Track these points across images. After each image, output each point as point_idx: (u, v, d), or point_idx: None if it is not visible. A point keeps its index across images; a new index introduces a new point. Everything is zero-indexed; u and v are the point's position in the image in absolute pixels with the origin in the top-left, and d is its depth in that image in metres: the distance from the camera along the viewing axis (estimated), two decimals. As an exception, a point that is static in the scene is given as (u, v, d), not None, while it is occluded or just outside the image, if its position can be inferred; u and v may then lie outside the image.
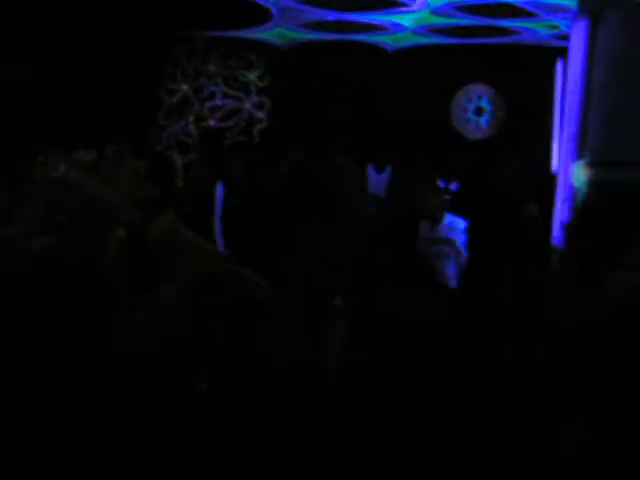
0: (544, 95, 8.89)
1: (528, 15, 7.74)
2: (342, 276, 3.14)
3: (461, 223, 5.83)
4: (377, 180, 8.03)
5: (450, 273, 5.69)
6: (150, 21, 9.17)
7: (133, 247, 2.53)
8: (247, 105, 11.19)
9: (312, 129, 9.94)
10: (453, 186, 6.14)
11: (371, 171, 8.10)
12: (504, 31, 8.88)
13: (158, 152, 10.15)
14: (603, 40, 6.25)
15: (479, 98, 10.81)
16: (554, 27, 7.87)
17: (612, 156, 6.15)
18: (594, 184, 6.20)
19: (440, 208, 5.85)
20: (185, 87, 11.04)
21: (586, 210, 5.13)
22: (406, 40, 9.56)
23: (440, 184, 6.08)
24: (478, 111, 10.80)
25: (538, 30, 8.47)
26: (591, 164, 6.34)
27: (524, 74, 9.84)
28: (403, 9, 7.86)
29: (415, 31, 8.95)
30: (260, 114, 11.16)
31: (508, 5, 7.47)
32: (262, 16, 8.69)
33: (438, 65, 10.13)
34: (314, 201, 5.01)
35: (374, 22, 8.56)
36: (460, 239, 5.68)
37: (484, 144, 10.50)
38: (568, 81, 6.67)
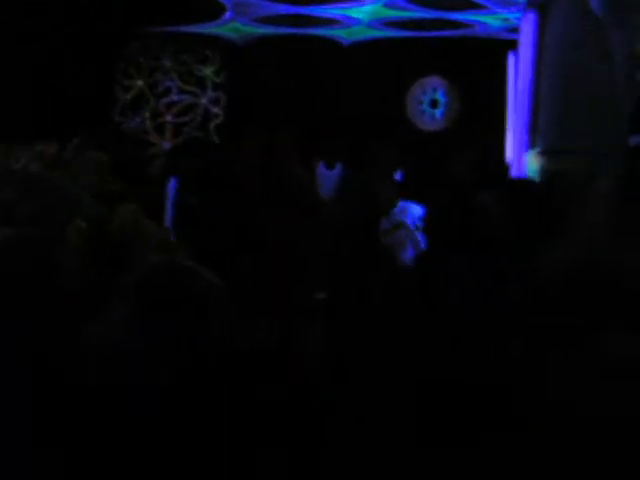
0: (498, 87, 9.04)
1: (480, 8, 7.87)
2: (313, 272, 3.18)
3: (415, 208, 5.90)
4: (327, 177, 7.95)
5: (408, 261, 5.77)
6: (103, 17, 9.10)
7: (94, 238, 2.54)
8: (203, 100, 11.17)
9: (267, 124, 9.96)
10: (397, 175, 6.27)
11: (321, 167, 8.06)
12: (457, 24, 9.00)
13: (123, 145, 10.10)
14: (551, 31, 6.39)
15: (434, 90, 10.94)
16: (505, 20, 8.01)
17: (563, 145, 6.30)
18: (546, 173, 6.34)
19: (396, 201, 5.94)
20: (140, 83, 10.98)
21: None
22: (361, 34, 9.64)
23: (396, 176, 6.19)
24: (433, 103, 10.93)
25: (490, 23, 8.61)
26: (542, 153, 6.48)
27: (478, 66, 9.98)
28: (357, 2, 7.93)
29: (369, 24, 9.03)
30: (216, 109, 11.15)
31: (460, -2, 7.60)
32: (216, 11, 8.69)
33: (393, 58, 10.22)
34: (280, 198, 5.05)
35: (328, 16, 8.61)
36: (413, 223, 5.75)
37: (439, 136, 10.63)
38: (519, 73, 6.81)
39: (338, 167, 8.04)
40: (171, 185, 5.82)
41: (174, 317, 1.62)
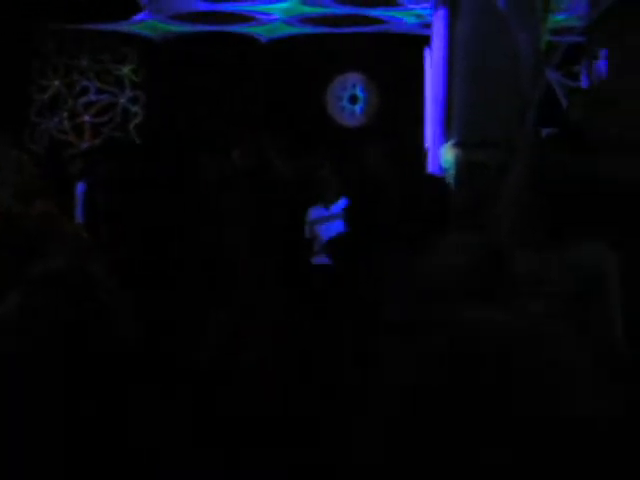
0: (415, 82, 9.19)
1: (393, 4, 8.00)
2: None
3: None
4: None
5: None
6: (15, 14, 8.91)
7: (9, 234, 2.52)
8: (122, 100, 11.04)
9: (189, 122, 9.91)
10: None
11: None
12: (373, 20, 9.12)
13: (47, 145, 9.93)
14: (461, 27, 6.55)
15: (353, 86, 11.06)
16: (419, 16, 8.16)
17: (475, 137, 6.46)
18: (460, 164, 6.49)
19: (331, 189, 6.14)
20: (57, 83, 10.77)
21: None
22: (278, 30, 9.68)
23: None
24: (353, 99, 11.05)
25: (405, 19, 8.76)
26: (456, 145, 6.63)
27: (396, 62, 10.12)
28: None
29: (286, 21, 9.08)
30: (135, 109, 11.02)
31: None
32: (132, 8, 8.61)
33: (312, 54, 10.29)
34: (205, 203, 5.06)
35: (245, 12, 8.62)
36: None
37: (360, 131, 10.75)
38: (432, 67, 6.95)
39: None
40: (79, 188, 5.76)
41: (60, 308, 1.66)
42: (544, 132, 9.19)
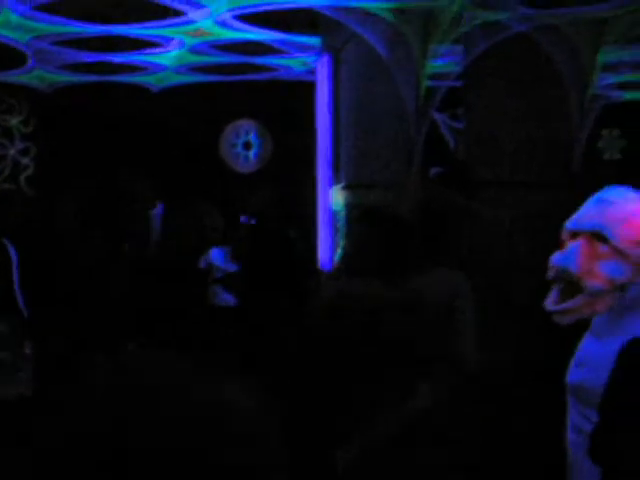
0: (306, 127, 9.38)
1: (280, 52, 8.17)
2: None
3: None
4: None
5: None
6: None
7: None
8: (12, 152, 10.81)
9: (81, 173, 9.79)
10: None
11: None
12: (262, 68, 9.28)
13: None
14: (345, 73, 6.76)
15: (247, 133, 11.18)
16: (305, 63, 8.37)
17: (363, 179, 6.65)
18: (350, 206, 6.65)
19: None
20: (-56, 135, 10.49)
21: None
22: (169, 79, 9.72)
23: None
24: (247, 145, 11.16)
25: (293, 66, 8.95)
26: (345, 188, 6.81)
27: (286, 108, 10.31)
28: (161, 49, 8.00)
29: (176, 70, 9.13)
30: (26, 160, 10.81)
31: (261, 43, 7.84)
32: (17, 59, 8.48)
33: (204, 102, 10.36)
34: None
35: (133, 62, 8.63)
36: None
37: (254, 177, 10.85)
38: (319, 114, 7.14)
39: (159, 207, 8.09)
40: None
41: None
42: (433, 171, 9.53)
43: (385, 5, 6.28)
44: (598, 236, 2.11)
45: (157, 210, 8.12)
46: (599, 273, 2.09)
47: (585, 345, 2.23)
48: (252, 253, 3.20)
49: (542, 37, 6.46)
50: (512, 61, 6.59)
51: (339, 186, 6.96)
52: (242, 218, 7.39)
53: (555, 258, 2.19)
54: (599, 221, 2.12)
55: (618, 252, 2.07)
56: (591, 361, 2.13)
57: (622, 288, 2.08)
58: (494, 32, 6.56)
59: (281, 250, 3.45)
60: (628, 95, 10.04)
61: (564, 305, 2.14)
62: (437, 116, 10.41)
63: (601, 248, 2.10)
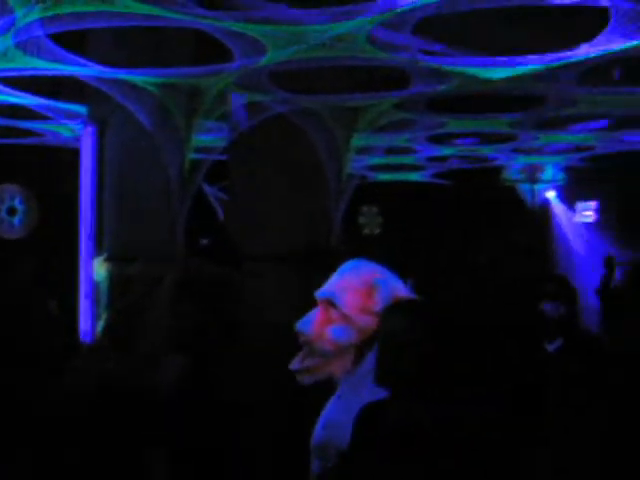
0: (72, 195, 9.14)
1: (46, 118, 7.97)
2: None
3: None
4: None
5: None
6: None
7: None
8: None
9: None
10: None
11: None
12: (29, 133, 8.98)
13: None
14: (110, 145, 6.73)
15: (11, 198, 10.72)
16: (72, 130, 8.21)
17: (126, 251, 6.57)
18: (112, 278, 6.54)
19: None
20: None
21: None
22: None
23: None
24: (11, 211, 10.69)
25: (60, 132, 8.74)
26: (108, 260, 6.70)
27: (53, 175, 10.01)
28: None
29: None
30: None
31: (27, 108, 7.61)
32: None
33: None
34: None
35: None
36: None
37: (19, 244, 10.38)
38: (82, 184, 7.00)
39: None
40: None
41: None
42: (201, 242, 9.61)
43: (151, 79, 6.36)
44: (331, 303, 2.28)
45: None
46: (328, 337, 2.25)
47: (329, 407, 2.33)
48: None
49: (302, 119, 6.85)
50: (273, 140, 6.91)
51: (102, 257, 6.84)
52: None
53: (298, 323, 2.32)
54: (332, 289, 2.30)
55: (345, 318, 2.23)
56: (334, 422, 2.23)
57: (361, 352, 2.22)
58: (257, 111, 6.87)
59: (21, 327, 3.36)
60: (383, 176, 10.84)
61: (301, 365, 2.26)
62: (208, 189, 10.60)
63: (333, 314, 2.26)
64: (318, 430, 2.28)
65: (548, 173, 11.36)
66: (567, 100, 6.85)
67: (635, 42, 4.83)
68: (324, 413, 2.32)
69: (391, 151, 9.56)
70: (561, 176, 11.37)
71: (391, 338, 1.91)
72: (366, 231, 11.50)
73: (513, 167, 11.52)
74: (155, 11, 4.54)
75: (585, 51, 5.00)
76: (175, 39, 6.24)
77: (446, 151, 9.68)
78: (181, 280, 4.58)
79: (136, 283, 6.30)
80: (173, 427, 2.85)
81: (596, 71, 5.82)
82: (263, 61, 5.47)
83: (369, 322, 2.21)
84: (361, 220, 11.48)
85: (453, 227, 10.86)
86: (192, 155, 6.85)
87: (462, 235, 10.30)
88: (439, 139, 8.80)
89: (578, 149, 9.95)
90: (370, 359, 2.20)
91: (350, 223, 9.41)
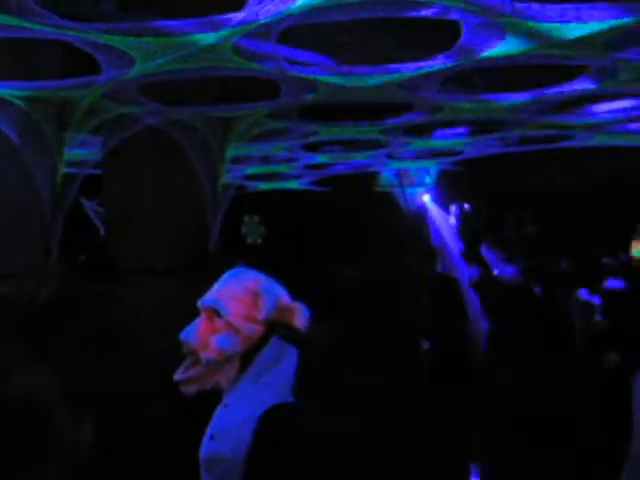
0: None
1: None
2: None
3: None
4: None
5: None
6: None
7: None
8: None
9: None
10: None
11: None
12: None
13: None
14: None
15: None
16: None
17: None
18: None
19: None
20: None
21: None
22: None
23: None
24: None
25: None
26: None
27: None
28: None
29: None
30: None
31: None
32: None
33: None
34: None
35: None
36: None
37: None
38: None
39: None
40: None
41: None
42: (80, 257, 9.41)
43: (17, 93, 6.22)
44: (215, 312, 2.31)
45: None
46: (212, 345, 2.27)
47: (217, 417, 2.35)
48: None
49: (175, 131, 6.84)
50: (147, 152, 6.86)
51: (-32, 275, 6.62)
52: None
53: (182, 333, 2.34)
54: (216, 297, 2.33)
55: (230, 326, 2.27)
56: (223, 433, 2.25)
57: (247, 361, 2.26)
58: (129, 124, 6.80)
59: None
60: (263, 185, 10.90)
61: (185, 375, 2.27)
62: (86, 203, 10.31)
63: (217, 322, 2.29)
64: (207, 442, 2.27)
65: (419, 177, 11.78)
66: (432, 107, 7.12)
67: (487, 53, 5.11)
68: (212, 424, 2.33)
69: (267, 160, 9.66)
70: (430, 180, 11.78)
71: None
72: (249, 240, 11.54)
73: (388, 172, 11.86)
74: (15, 21, 4.45)
75: (442, 61, 5.25)
76: (42, 52, 6.12)
77: (321, 159, 9.85)
78: (53, 296, 4.50)
79: (7, 302, 6.14)
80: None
81: (458, 79, 6.10)
82: (131, 73, 5.44)
83: (254, 330, 2.26)
84: (243, 230, 11.51)
85: (333, 234, 11.06)
86: (64, 169, 6.72)
87: (342, 241, 10.51)
88: (313, 147, 8.95)
89: (447, 153, 10.35)
90: (256, 367, 2.25)
91: (233, 233, 9.41)
